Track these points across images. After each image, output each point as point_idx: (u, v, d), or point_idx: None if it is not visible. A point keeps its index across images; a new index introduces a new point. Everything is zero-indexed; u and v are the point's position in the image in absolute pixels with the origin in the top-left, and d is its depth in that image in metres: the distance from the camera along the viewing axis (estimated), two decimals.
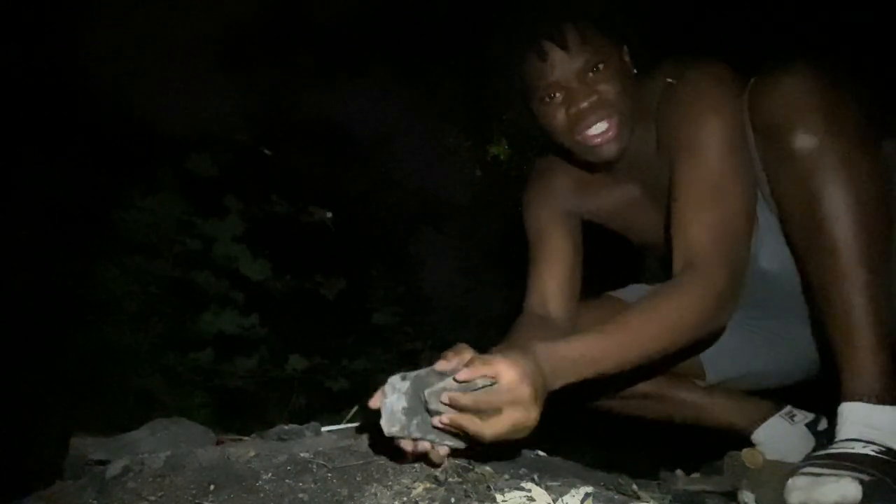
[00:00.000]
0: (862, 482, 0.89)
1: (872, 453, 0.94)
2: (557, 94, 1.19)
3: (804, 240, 1.08)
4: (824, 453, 0.98)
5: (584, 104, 1.18)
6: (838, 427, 1.01)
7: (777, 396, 1.46)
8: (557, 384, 0.94)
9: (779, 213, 1.14)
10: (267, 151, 3.25)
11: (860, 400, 0.99)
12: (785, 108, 1.06)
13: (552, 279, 1.37)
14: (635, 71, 1.24)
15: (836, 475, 0.90)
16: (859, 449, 0.95)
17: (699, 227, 1.10)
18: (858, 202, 1.02)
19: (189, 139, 2.89)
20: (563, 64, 1.17)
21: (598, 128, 1.20)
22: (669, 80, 1.20)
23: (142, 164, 2.82)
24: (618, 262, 1.72)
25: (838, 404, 1.02)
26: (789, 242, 1.14)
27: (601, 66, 1.18)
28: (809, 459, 0.98)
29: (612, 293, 1.50)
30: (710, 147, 1.12)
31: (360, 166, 4.21)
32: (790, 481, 0.91)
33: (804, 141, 1.04)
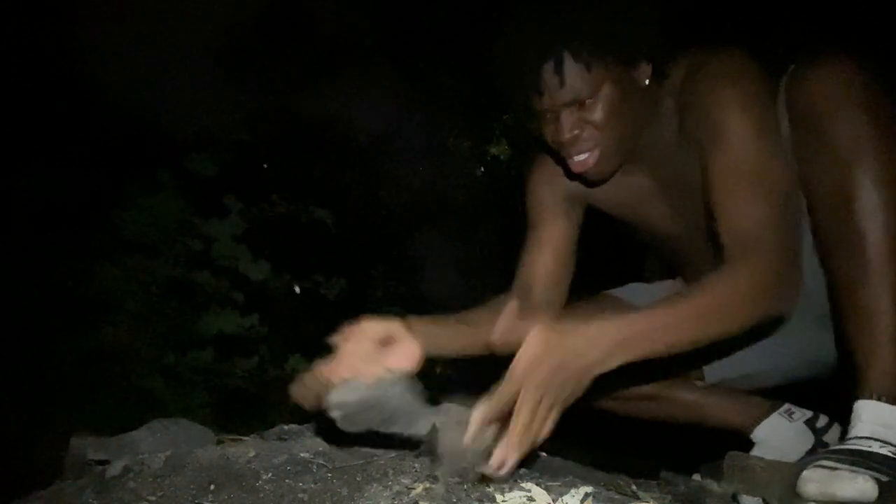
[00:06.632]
0: (879, 482, 0.88)
1: (889, 454, 0.94)
2: (549, 115, 1.18)
3: (833, 232, 1.06)
4: (839, 448, 0.97)
5: (567, 136, 1.16)
6: (852, 424, 1.00)
7: (774, 395, 1.46)
8: (606, 365, 0.92)
9: (808, 203, 1.11)
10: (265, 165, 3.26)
11: (877, 398, 0.98)
12: (826, 97, 1.04)
13: (541, 265, 1.37)
14: (647, 82, 1.18)
15: (852, 471, 0.90)
16: (876, 448, 0.94)
17: (744, 214, 1.05)
18: (894, 199, 1.00)
19: (189, 139, 2.90)
20: (556, 92, 1.13)
21: (579, 158, 1.19)
22: (692, 63, 1.17)
23: (142, 164, 2.83)
24: (618, 261, 1.71)
25: (852, 401, 1.01)
26: (816, 234, 1.12)
27: (594, 98, 1.14)
28: (824, 453, 0.98)
29: (611, 292, 1.49)
30: (740, 132, 1.08)
31: (360, 166, 4.21)
32: (805, 472, 0.90)
33: (844, 131, 1.02)
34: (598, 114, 1.14)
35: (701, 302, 0.99)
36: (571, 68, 1.11)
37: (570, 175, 1.31)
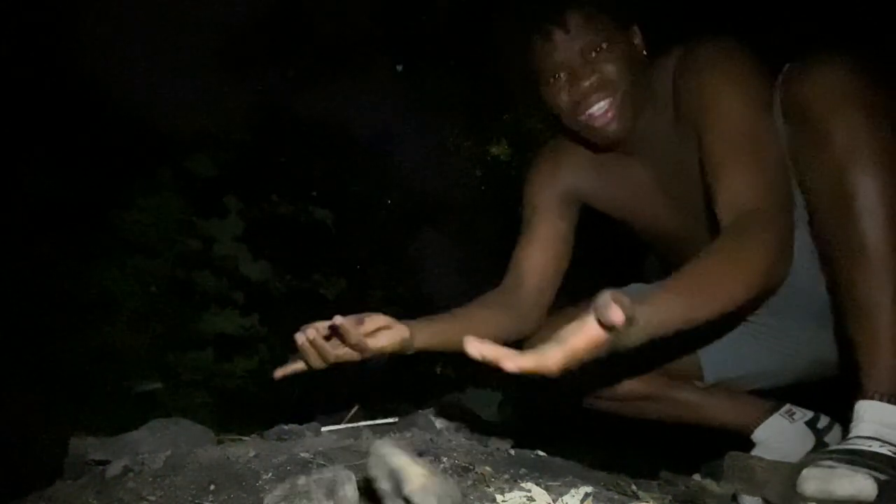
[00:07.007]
0: (878, 480, 0.88)
1: (889, 453, 0.94)
2: (561, 75, 1.20)
3: (832, 232, 1.06)
4: (840, 448, 0.97)
5: (586, 84, 1.18)
6: (853, 424, 1.00)
7: (775, 396, 1.46)
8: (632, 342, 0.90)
9: (806, 203, 1.11)
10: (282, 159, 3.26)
11: (879, 399, 0.98)
12: (824, 95, 1.04)
13: (532, 262, 1.37)
14: (645, 52, 1.24)
15: (851, 470, 0.90)
16: (876, 448, 0.94)
17: (743, 176, 1.06)
18: (894, 198, 1.00)
19: (189, 139, 2.90)
20: (565, 45, 1.17)
21: (600, 107, 1.20)
22: (683, 51, 1.20)
23: (142, 164, 2.83)
24: (618, 261, 1.71)
25: (854, 401, 1.01)
26: (815, 233, 1.12)
27: (604, 45, 1.18)
28: (824, 452, 0.98)
29: None
30: (733, 104, 1.10)
31: (360, 166, 4.21)
32: (805, 471, 0.91)
33: (842, 129, 1.02)
34: (609, 64, 1.18)
35: (708, 270, 0.98)
36: (578, 18, 1.17)
37: (571, 172, 1.34)
